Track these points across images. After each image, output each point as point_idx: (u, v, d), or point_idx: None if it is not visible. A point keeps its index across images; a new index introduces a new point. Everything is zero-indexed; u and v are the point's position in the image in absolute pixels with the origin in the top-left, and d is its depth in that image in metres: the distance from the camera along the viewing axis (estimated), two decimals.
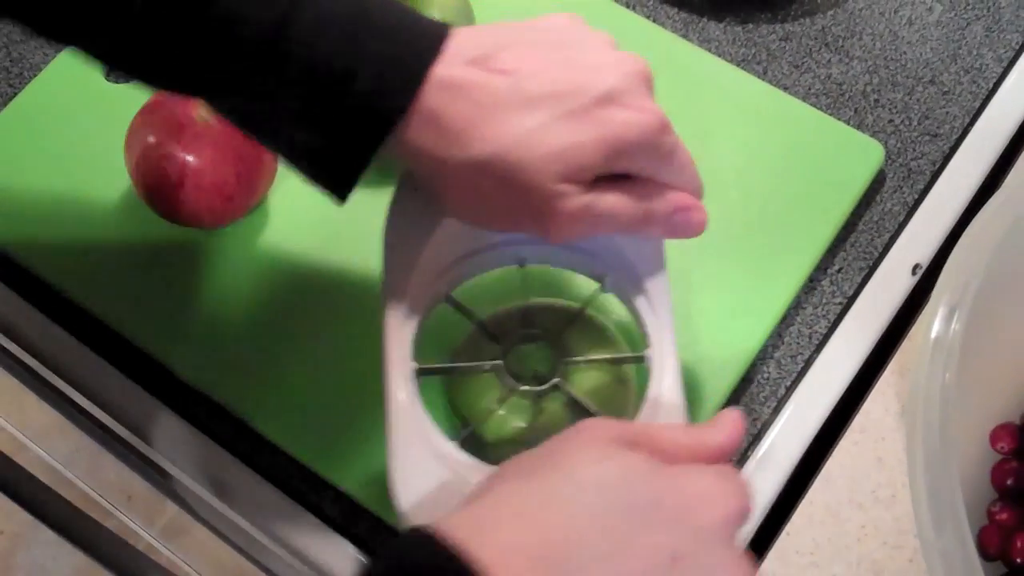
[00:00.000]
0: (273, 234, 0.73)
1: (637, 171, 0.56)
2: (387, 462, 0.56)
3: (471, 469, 0.56)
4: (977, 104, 0.77)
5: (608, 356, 0.64)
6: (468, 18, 0.74)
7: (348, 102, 0.53)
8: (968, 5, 0.81)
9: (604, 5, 0.81)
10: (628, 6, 0.81)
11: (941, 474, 0.54)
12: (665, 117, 0.55)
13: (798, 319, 0.71)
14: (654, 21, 0.81)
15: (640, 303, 0.61)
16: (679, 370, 0.59)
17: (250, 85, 0.54)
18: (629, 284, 0.61)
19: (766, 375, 0.69)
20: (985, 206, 0.62)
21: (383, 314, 0.59)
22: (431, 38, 0.54)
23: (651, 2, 0.82)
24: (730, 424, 0.52)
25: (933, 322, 0.58)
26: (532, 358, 0.63)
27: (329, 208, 0.74)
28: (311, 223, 0.74)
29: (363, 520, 0.66)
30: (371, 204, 0.74)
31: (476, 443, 0.61)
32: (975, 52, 0.79)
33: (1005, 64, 0.79)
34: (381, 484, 0.66)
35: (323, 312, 0.71)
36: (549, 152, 0.53)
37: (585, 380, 0.63)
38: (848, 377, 0.69)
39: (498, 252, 0.62)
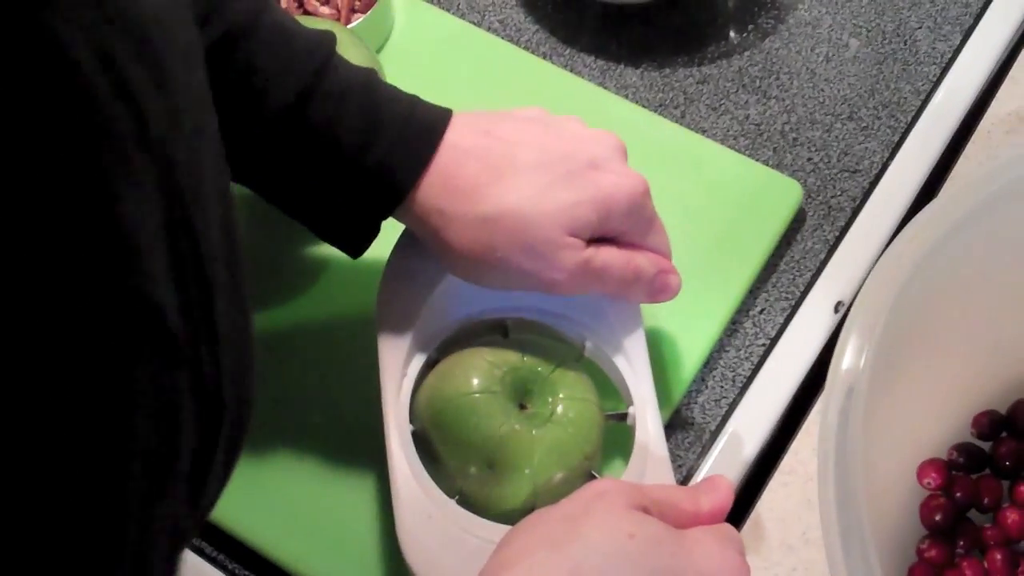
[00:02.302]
0: None
1: (623, 232, 0.60)
2: (397, 527, 0.58)
3: (478, 526, 0.58)
4: (896, 138, 0.77)
5: (594, 399, 0.63)
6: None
7: (366, 166, 0.58)
8: (885, 39, 0.81)
9: (521, 57, 0.81)
10: (545, 56, 0.82)
11: (852, 519, 0.53)
12: (646, 183, 0.60)
13: (721, 362, 0.70)
14: (571, 71, 0.81)
15: (620, 362, 0.64)
16: (661, 426, 0.62)
17: (271, 154, 0.59)
18: (609, 346, 0.64)
19: (690, 420, 0.68)
20: (895, 240, 0.62)
21: (379, 378, 0.61)
22: (440, 110, 0.60)
23: (568, 51, 0.82)
24: (722, 489, 0.56)
25: (841, 359, 0.57)
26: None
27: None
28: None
29: None
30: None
31: (468, 499, 0.61)
32: (893, 86, 0.79)
33: (923, 97, 0.79)
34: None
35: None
36: (556, 208, 0.58)
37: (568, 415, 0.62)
38: (774, 419, 0.68)
39: (483, 320, 0.65)
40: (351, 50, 0.73)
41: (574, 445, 0.60)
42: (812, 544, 0.65)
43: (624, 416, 0.64)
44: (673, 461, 0.67)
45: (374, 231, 0.61)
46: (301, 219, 0.62)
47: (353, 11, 0.80)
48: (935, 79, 0.79)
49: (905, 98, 0.79)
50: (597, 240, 0.60)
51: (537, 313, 0.65)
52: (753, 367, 0.70)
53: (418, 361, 0.63)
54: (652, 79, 0.80)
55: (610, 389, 0.65)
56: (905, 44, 0.81)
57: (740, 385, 0.69)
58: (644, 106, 0.79)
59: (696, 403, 0.69)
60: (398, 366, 0.62)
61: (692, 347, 0.69)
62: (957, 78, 0.79)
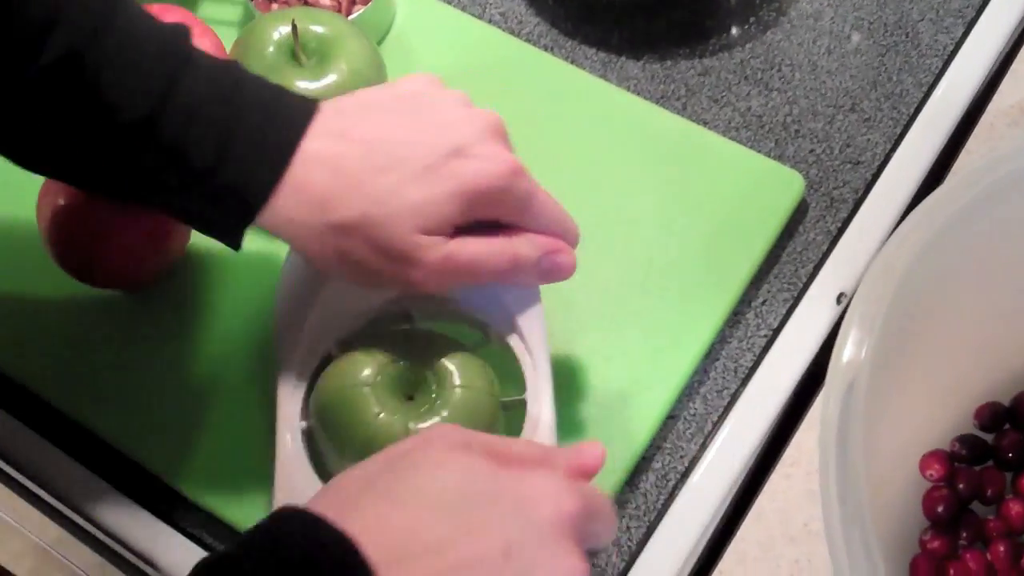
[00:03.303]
0: (192, 293, 0.73)
1: (498, 218, 0.59)
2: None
3: None
4: (898, 130, 0.77)
5: (485, 387, 0.61)
6: (380, 70, 0.74)
7: (219, 183, 0.57)
8: (887, 31, 0.81)
9: (522, 49, 0.81)
10: (546, 49, 0.81)
11: (854, 511, 0.53)
12: (517, 163, 0.58)
13: (723, 353, 0.70)
14: (573, 63, 0.81)
15: (518, 347, 0.62)
16: (553, 413, 0.61)
17: (126, 168, 0.58)
18: (508, 331, 0.63)
19: (692, 411, 0.68)
20: (896, 230, 0.62)
21: (276, 375, 0.61)
22: (300, 113, 0.58)
23: (569, 44, 0.82)
24: (587, 451, 0.53)
25: (842, 350, 0.57)
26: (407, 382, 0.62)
27: (247, 266, 0.74)
28: (230, 280, 0.73)
29: None
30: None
31: None
32: (895, 78, 0.79)
33: (925, 89, 0.78)
34: None
35: (240, 370, 0.70)
36: (405, 207, 0.56)
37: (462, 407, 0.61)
38: (776, 410, 0.68)
39: (385, 310, 0.64)
40: (351, 42, 0.73)
41: None
42: (815, 536, 0.65)
43: (524, 402, 0.62)
44: (675, 452, 0.67)
45: (239, 238, 0.60)
46: (175, 218, 0.61)
47: (354, 3, 0.80)
48: (937, 71, 0.79)
49: (907, 90, 0.78)
50: (473, 230, 0.58)
51: (438, 300, 0.63)
52: (755, 358, 0.70)
53: (319, 356, 0.62)
54: (654, 71, 0.80)
55: (518, 375, 0.63)
56: (907, 36, 0.81)
57: (742, 376, 0.69)
58: (646, 98, 0.78)
59: (698, 394, 0.69)
60: (294, 363, 0.62)
61: (694, 337, 0.69)
62: (959, 70, 0.79)
